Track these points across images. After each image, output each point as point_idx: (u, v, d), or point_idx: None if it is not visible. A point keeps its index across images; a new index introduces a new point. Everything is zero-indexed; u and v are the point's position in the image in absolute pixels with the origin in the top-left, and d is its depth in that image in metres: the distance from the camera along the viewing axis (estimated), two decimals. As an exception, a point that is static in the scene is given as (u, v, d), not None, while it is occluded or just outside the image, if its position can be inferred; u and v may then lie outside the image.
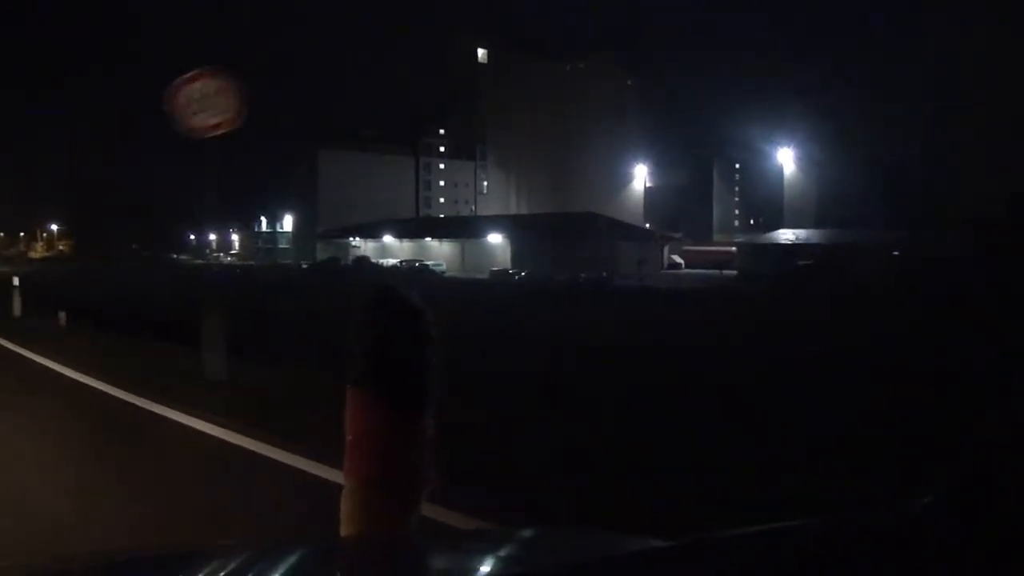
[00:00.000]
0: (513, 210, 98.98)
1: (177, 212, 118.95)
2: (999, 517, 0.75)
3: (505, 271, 57.26)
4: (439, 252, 69.72)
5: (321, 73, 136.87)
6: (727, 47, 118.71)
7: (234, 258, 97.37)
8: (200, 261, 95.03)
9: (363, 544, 1.08)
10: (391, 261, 67.25)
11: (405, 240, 75.27)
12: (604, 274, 54.83)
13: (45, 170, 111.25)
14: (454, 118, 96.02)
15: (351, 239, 80.00)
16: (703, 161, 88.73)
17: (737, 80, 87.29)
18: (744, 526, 0.90)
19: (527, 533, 1.31)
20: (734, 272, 58.22)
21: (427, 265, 62.02)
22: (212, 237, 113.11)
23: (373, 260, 68.58)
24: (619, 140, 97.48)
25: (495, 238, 65.60)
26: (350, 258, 71.39)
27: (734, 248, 72.94)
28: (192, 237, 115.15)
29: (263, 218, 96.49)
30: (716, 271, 61.20)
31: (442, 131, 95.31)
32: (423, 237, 73.25)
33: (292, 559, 1.09)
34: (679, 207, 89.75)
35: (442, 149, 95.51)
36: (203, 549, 1.30)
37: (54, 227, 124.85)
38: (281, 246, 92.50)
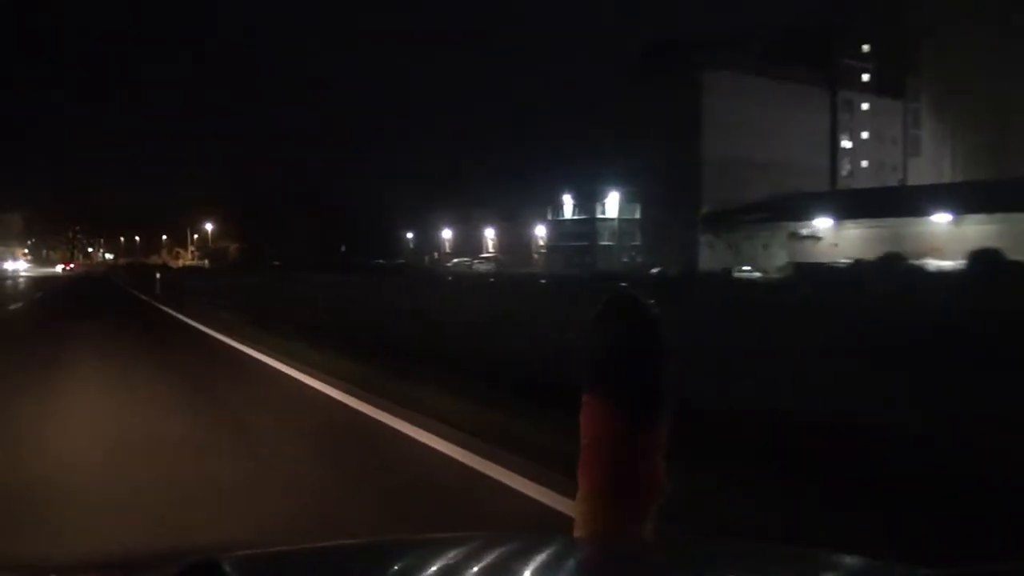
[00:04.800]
0: (947, 178, 59.56)
1: (371, 206, 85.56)
2: None
3: None
4: None
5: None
6: None
7: (492, 264, 60.80)
8: (450, 268, 60.36)
9: (595, 548, 1.06)
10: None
11: (970, 220, 36.80)
12: None
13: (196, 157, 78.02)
14: (876, 31, 57.14)
15: (803, 226, 42.39)
16: None
17: None
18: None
19: (774, 551, 1.20)
20: None
21: None
22: (450, 235, 78.14)
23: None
24: None
25: None
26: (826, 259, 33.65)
27: None
28: (410, 236, 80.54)
29: (569, 199, 59.51)
30: None
31: (867, 48, 56.53)
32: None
33: (526, 555, 1.10)
34: None
35: (866, 78, 56.65)
36: (437, 538, 1.30)
37: (209, 227, 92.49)
38: (602, 242, 55.38)
